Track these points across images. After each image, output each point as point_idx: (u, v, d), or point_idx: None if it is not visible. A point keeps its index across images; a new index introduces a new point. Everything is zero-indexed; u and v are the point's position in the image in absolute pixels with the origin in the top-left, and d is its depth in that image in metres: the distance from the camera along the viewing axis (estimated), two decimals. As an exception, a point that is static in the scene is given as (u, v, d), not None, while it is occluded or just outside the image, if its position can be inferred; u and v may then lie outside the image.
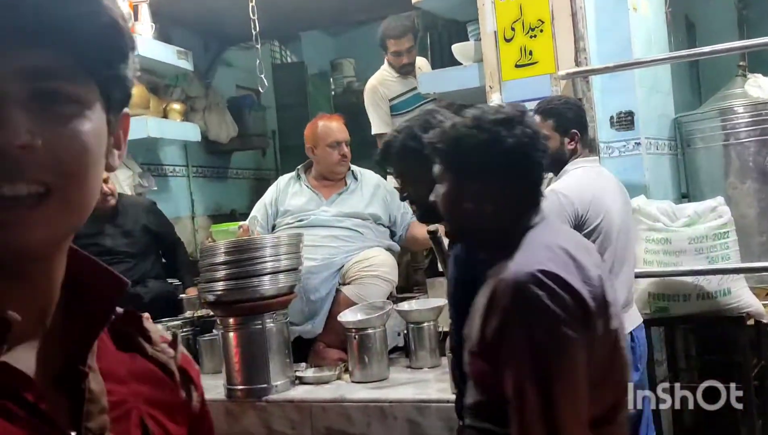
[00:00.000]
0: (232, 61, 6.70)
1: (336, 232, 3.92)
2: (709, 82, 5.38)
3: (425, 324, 3.65)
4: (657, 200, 3.76)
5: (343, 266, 3.89)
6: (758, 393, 3.60)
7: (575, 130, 3.05)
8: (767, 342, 3.81)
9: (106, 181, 4.46)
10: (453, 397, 2.88)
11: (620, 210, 2.97)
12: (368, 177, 4.27)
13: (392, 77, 5.02)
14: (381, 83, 5.04)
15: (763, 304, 3.65)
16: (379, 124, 4.95)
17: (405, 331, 3.79)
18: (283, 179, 4.30)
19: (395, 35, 4.88)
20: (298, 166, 4.31)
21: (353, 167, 4.28)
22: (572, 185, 2.89)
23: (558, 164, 3.02)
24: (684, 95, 5.06)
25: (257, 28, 4.75)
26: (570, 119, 3.07)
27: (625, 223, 3.00)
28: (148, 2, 5.10)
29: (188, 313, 4.42)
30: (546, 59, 3.84)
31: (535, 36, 3.86)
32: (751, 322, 3.60)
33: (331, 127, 4.20)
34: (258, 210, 4.26)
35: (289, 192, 4.19)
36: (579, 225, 2.81)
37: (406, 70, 4.96)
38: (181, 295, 4.69)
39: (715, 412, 4.00)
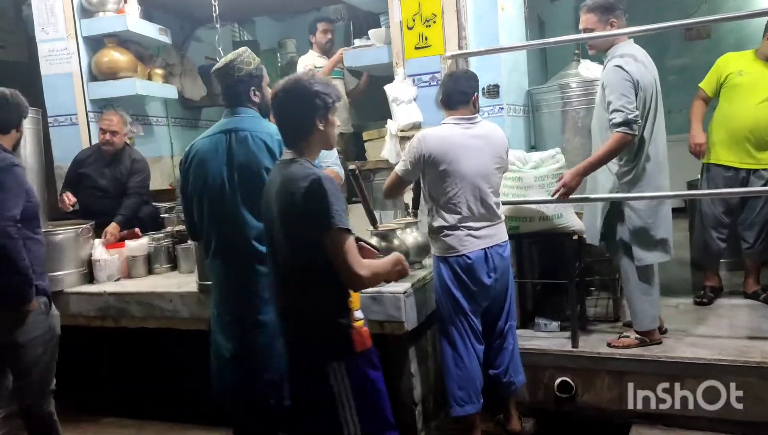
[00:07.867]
0: (202, 37, 6.37)
1: None
2: (553, 65, 5.35)
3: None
4: (513, 150, 3.71)
5: None
6: (578, 285, 3.67)
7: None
8: (585, 251, 3.91)
9: (115, 133, 4.22)
10: (398, 288, 3.01)
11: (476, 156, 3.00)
12: None
13: (317, 55, 5.02)
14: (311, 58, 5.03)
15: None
16: None
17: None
18: None
19: (323, 19, 5.02)
20: None
21: None
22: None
23: None
24: (535, 74, 4.99)
25: (217, 12, 4.77)
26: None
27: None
28: (135, -12, 4.85)
29: (169, 228, 4.32)
30: (437, 43, 3.84)
31: (429, 26, 3.85)
32: (575, 237, 3.66)
33: None
34: None
35: None
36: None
37: (327, 48, 5.02)
38: (163, 215, 4.54)
39: (549, 299, 4.12)
